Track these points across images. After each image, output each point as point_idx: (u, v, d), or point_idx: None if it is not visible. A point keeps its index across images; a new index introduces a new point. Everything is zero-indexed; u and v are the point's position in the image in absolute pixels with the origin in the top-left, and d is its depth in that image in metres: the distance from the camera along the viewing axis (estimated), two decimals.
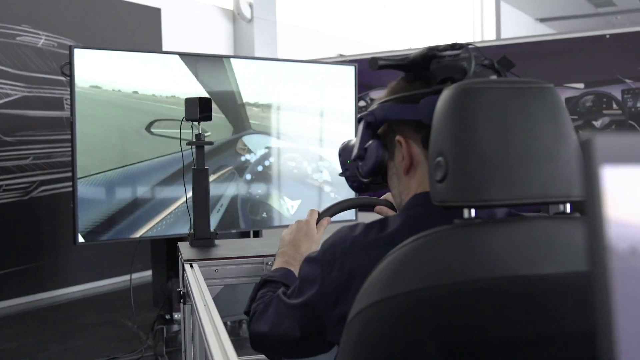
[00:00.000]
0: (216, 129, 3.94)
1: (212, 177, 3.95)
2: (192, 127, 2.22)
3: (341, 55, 7.35)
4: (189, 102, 2.25)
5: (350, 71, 4.42)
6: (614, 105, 4.11)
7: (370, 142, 1.14)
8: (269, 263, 1.88)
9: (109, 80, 3.62)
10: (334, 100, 4.38)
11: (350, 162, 1.26)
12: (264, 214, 4.21)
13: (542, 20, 13.43)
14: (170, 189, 3.82)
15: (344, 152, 1.32)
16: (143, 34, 6.01)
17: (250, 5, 7.12)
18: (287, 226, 1.66)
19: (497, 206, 0.82)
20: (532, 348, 0.82)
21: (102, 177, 3.62)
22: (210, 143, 2.30)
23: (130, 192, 3.73)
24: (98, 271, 5.53)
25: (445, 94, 0.88)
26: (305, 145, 4.32)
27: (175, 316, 3.99)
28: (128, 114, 3.70)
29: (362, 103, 4.87)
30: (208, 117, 2.25)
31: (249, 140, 4.13)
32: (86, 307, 5.03)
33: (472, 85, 0.86)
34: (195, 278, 1.64)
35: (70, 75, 3.53)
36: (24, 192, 5.08)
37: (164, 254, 4.20)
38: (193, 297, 1.50)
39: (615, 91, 4.11)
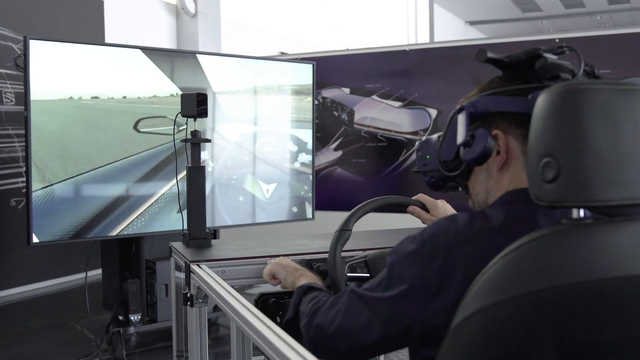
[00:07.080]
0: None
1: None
2: (186, 123, 2.13)
3: (282, 53, 7.31)
4: (185, 97, 2.17)
5: (307, 69, 4.41)
6: None
7: (478, 129, 1.10)
8: None
9: (60, 74, 3.48)
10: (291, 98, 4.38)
11: (430, 157, 1.25)
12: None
13: (472, 23, 13.79)
14: (120, 188, 3.70)
15: (426, 146, 1.30)
16: (86, 26, 5.79)
17: (195, 0, 7.00)
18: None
19: (612, 207, 0.83)
20: None
21: (53, 176, 3.48)
22: (208, 140, 2.23)
23: (77, 191, 3.59)
24: (38, 272, 5.29)
25: (549, 94, 0.87)
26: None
27: (132, 318, 3.86)
28: (79, 113, 3.56)
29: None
30: (204, 113, 2.18)
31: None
32: (28, 310, 4.81)
33: (580, 86, 0.86)
34: (212, 279, 1.58)
35: (25, 68, 3.36)
36: None
37: (116, 255, 4.05)
38: (219, 296, 1.45)
39: None
